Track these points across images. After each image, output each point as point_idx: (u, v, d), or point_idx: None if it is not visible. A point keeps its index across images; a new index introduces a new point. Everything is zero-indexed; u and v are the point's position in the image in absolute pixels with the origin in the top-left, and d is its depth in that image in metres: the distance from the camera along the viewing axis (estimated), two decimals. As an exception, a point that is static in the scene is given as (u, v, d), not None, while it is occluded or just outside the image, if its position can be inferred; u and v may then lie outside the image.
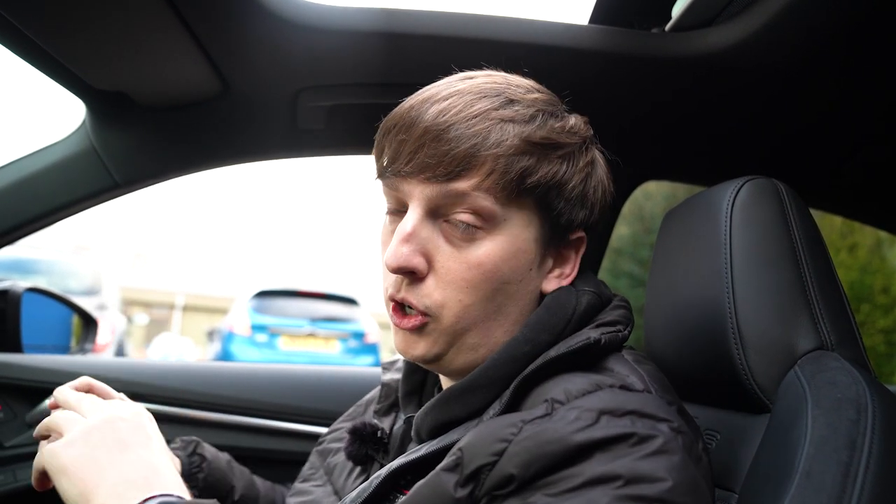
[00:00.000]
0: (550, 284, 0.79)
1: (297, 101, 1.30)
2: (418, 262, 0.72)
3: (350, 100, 1.28)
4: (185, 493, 0.71)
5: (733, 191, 0.86)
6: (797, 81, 1.22)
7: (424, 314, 0.73)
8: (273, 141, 1.45)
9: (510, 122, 0.71)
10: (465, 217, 0.71)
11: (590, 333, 0.72)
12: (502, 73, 0.80)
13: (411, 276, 0.73)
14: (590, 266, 1.65)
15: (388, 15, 1.13)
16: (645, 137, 1.48)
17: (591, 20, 1.26)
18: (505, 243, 0.73)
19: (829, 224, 6.97)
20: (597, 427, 0.60)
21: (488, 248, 0.72)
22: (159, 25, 1.03)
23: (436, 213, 0.73)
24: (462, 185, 0.70)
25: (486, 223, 0.72)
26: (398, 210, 0.77)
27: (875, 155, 1.49)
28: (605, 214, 0.83)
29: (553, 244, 0.78)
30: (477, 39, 1.15)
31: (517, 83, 0.77)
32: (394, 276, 0.74)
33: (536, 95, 0.76)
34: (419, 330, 0.74)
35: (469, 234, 0.72)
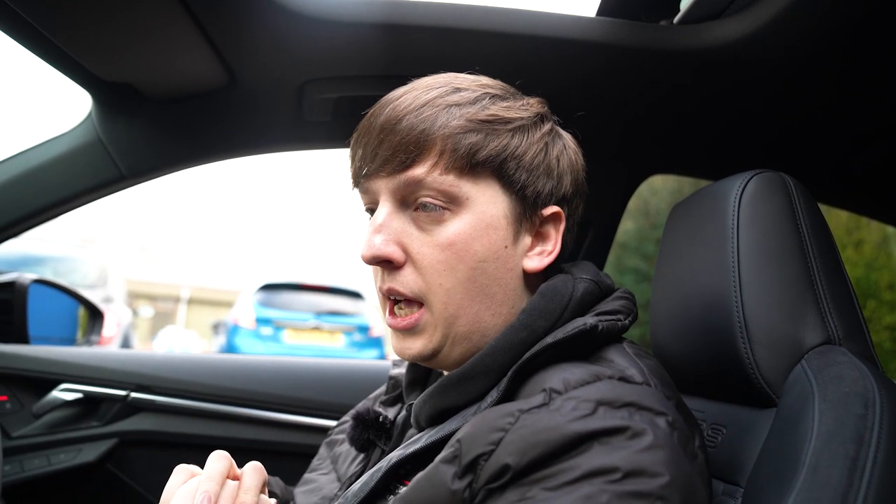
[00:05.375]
0: (533, 263, 0.79)
1: (303, 92, 1.29)
2: (392, 251, 0.75)
3: (356, 91, 1.28)
4: None
5: (741, 184, 0.86)
6: (805, 75, 1.21)
7: (417, 303, 0.76)
8: (279, 133, 1.45)
9: (455, 105, 0.75)
10: (429, 200, 0.75)
11: (586, 320, 0.72)
12: (458, 74, 0.82)
13: (389, 265, 0.76)
14: (595, 261, 1.66)
15: (394, 6, 1.13)
16: (651, 131, 1.48)
17: (599, 12, 1.25)
18: (473, 220, 0.75)
19: (835, 220, 6.94)
20: (594, 418, 0.60)
21: (457, 227, 0.74)
22: (166, 17, 1.03)
23: (405, 203, 0.77)
24: (418, 170, 0.74)
25: (451, 203, 0.75)
26: (373, 210, 0.80)
27: (883, 150, 1.48)
28: (580, 190, 0.84)
29: (526, 220, 0.79)
30: (483, 31, 1.15)
31: (465, 76, 0.81)
32: (378, 270, 0.78)
33: (484, 82, 0.80)
34: (413, 330, 0.77)
35: (437, 217, 0.75)
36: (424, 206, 0.75)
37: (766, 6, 1.06)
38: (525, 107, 0.80)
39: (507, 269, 0.77)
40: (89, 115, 1.34)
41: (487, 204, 0.75)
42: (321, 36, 1.15)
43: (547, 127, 0.81)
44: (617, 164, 1.58)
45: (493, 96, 0.78)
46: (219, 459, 0.72)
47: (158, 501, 0.71)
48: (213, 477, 0.70)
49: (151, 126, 1.35)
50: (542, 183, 0.79)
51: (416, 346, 0.77)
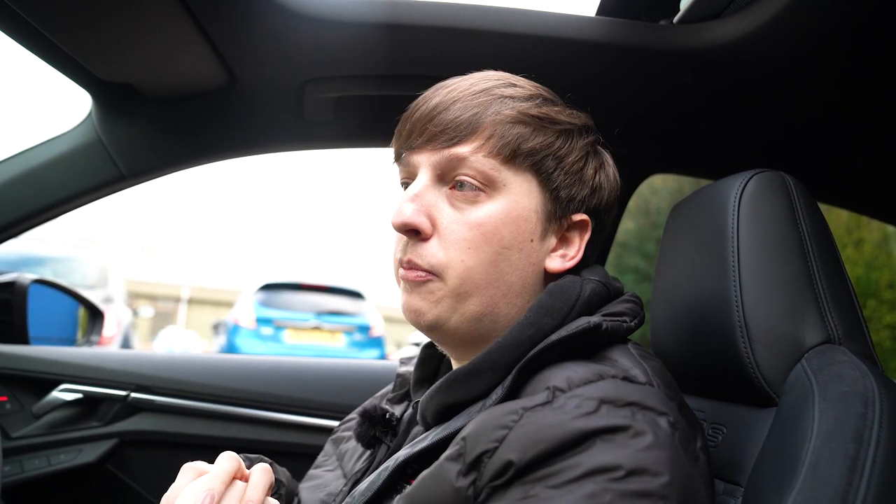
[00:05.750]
0: (554, 263, 0.80)
1: (303, 92, 1.29)
2: (421, 221, 0.76)
3: (357, 91, 1.28)
4: None
5: (741, 184, 0.86)
6: (804, 74, 1.21)
7: (430, 272, 0.77)
8: (280, 133, 1.45)
9: (510, 98, 0.79)
10: (468, 178, 0.77)
11: (591, 318, 0.72)
12: (513, 74, 0.85)
13: (416, 235, 0.77)
14: (596, 261, 1.66)
15: (394, 6, 1.13)
16: (651, 130, 1.48)
17: (599, 12, 1.25)
18: (506, 206, 0.77)
19: (836, 219, 6.94)
20: (597, 416, 0.60)
21: (489, 210, 0.76)
22: (166, 17, 1.03)
23: (443, 179, 0.79)
24: (464, 149, 0.76)
25: (488, 186, 0.77)
26: (409, 184, 0.82)
27: (883, 149, 1.48)
28: (611, 207, 0.86)
29: (555, 220, 0.80)
30: (483, 31, 1.15)
31: (520, 77, 0.84)
32: (401, 240, 0.79)
33: (537, 85, 0.84)
34: (421, 285, 0.77)
35: (472, 197, 0.77)
36: (461, 185, 0.77)
37: (766, 5, 1.06)
38: (573, 116, 0.83)
39: (530, 263, 0.79)
40: (89, 115, 1.34)
41: (522, 195, 0.78)
42: (321, 36, 1.15)
43: (590, 139, 0.84)
44: (617, 163, 1.58)
45: (546, 99, 0.81)
46: (227, 459, 0.73)
47: (159, 502, 0.71)
48: (218, 475, 0.70)
49: (151, 126, 1.35)
50: (577, 189, 0.81)
51: (422, 305, 0.78)
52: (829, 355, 0.75)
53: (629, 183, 1.64)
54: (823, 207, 0.92)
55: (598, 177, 0.83)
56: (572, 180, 0.80)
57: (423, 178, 0.79)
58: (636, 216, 9.98)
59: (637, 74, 1.25)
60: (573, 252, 0.82)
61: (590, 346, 0.72)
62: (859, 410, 0.65)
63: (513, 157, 0.77)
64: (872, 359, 0.79)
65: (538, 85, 0.84)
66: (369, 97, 1.30)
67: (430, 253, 0.76)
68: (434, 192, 0.78)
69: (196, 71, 1.21)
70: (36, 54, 1.15)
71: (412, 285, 0.78)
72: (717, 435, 0.86)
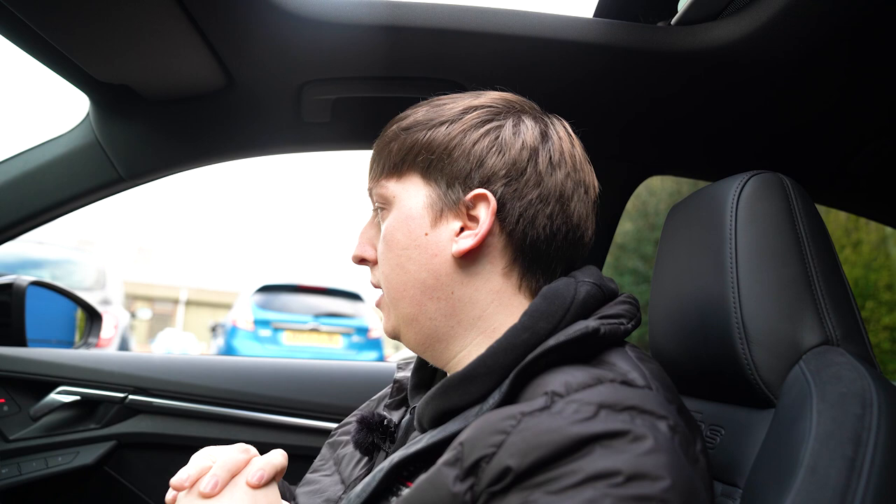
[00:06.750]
0: (458, 245, 0.80)
1: (301, 94, 1.29)
2: (363, 252, 0.89)
3: (355, 93, 1.28)
4: None
5: (739, 185, 0.86)
6: (803, 76, 1.21)
7: (379, 287, 0.89)
8: (278, 135, 1.45)
9: (393, 122, 0.87)
10: (376, 204, 0.87)
11: (588, 322, 0.72)
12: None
13: (368, 263, 0.90)
14: (594, 262, 1.66)
15: (392, 8, 1.13)
16: (649, 132, 1.48)
17: (597, 13, 1.25)
18: (396, 214, 0.84)
19: (834, 220, 6.96)
20: (595, 421, 0.60)
21: (387, 223, 0.85)
22: (164, 18, 1.03)
23: (376, 210, 0.89)
24: (371, 183, 0.88)
25: (386, 204, 0.85)
26: None
27: (882, 150, 1.48)
28: (519, 169, 0.79)
29: (448, 206, 0.81)
30: (481, 33, 1.15)
31: (443, 95, 0.88)
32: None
33: (437, 97, 0.87)
34: (379, 308, 0.90)
35: (382, 217, 0.86)
36: (376, 212, 0.88)
37: (765, 7, 1.06)
38: (453, 106, 0.83)
39: (432, 255, 0.81)
40: (87, 116, 1.34)
41: (409, 198, 0.83)
42: (319, 37, 1.15)
43: (472, 115, 0.81)
44: (615, 164, 1.59)
45: (435, 105, 0.85)
46: (242, 450, 0.84)
47: None
48: (226, 465, 0.80)
49: (149, 128, 1.35)
50: (459, 167, 0.80)
51: (383, 323, 0.90)
52: (828, 357, 0.75)
53: (627, 184, 1.64)
54: (821, 209, 0.92)
55: (479, 146, 0.80)
56: (450, 161, 0.80)
57: (369, 215, 0.91)
58: (634, 218, 10.00)
59: (635, 76, 1.25)
60: (479, 228, 0.79)
61: (587, 350, 0.72)
62: (857, 412, 0.65)
63: (393, 170, 0.84)
64: (870, 360, 0.79)
65: (439, 97, 0.86)
66: (367, 99, 1.30)
67: (375, 274, 0.89)
68: (374, 223, 0.90)
69: (194, 73, 1.21)
70: (33, 56, 1.14)
71: (379, 311, 0.90)
72: (715, 436, 0.86)
